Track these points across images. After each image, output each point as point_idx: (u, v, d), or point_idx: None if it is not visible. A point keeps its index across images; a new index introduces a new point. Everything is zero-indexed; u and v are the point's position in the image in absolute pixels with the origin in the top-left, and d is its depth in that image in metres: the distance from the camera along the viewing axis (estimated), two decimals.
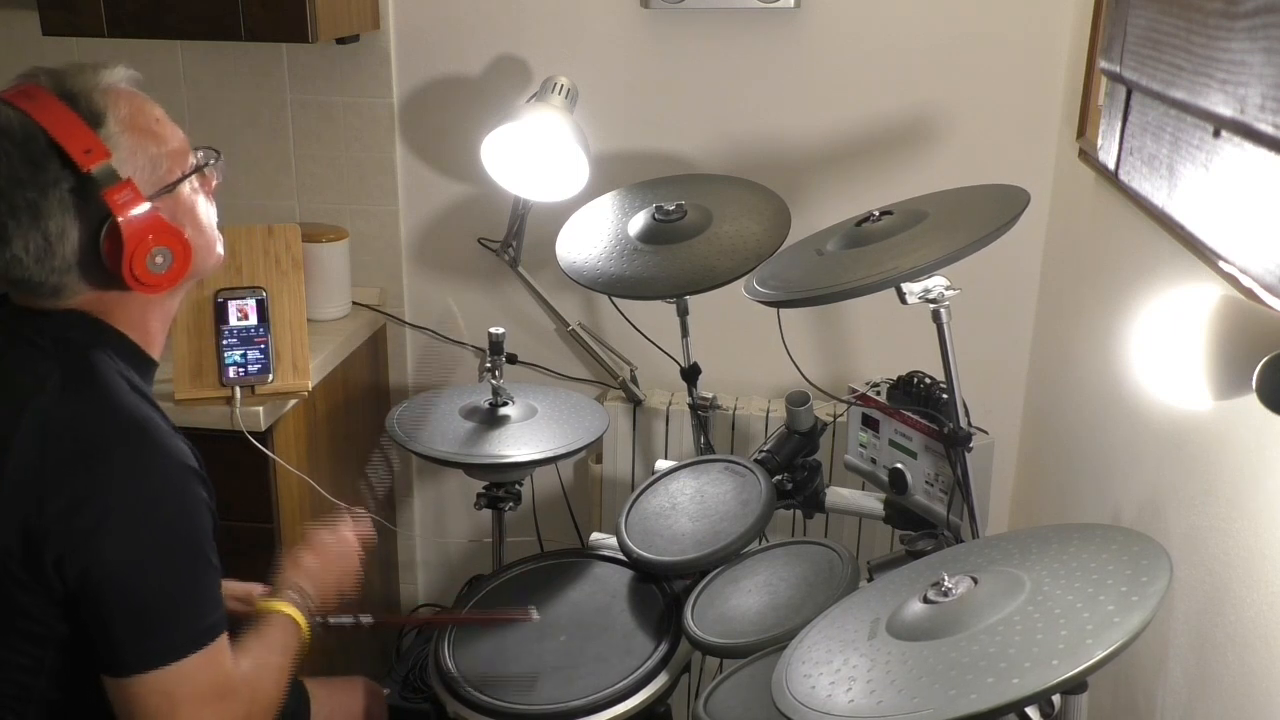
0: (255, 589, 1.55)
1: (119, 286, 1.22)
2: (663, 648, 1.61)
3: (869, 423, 1.77)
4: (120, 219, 1.19)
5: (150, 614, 1.16)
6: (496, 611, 1.73)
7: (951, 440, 1.56)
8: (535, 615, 1.66)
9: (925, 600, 1.11)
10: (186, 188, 1.29)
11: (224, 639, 1.22)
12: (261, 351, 1.89)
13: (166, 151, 1.26)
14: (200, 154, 1.33)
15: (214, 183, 1.36)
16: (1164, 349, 1.08)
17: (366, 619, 1.62)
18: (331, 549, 1.54)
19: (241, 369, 1.88)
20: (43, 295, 1.22)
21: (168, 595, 1.18)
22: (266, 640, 1.34)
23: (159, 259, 1.22)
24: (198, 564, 1.20)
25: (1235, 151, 0.76)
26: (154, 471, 1.18)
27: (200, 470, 1.24)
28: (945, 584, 1.11)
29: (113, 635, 1.16)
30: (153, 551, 1.17)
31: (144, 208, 1.21)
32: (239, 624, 1.33)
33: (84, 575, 1.14)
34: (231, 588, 1.52)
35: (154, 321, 1.30)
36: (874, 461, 1.77)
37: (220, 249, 1.36)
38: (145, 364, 1.29)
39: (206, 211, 1.33)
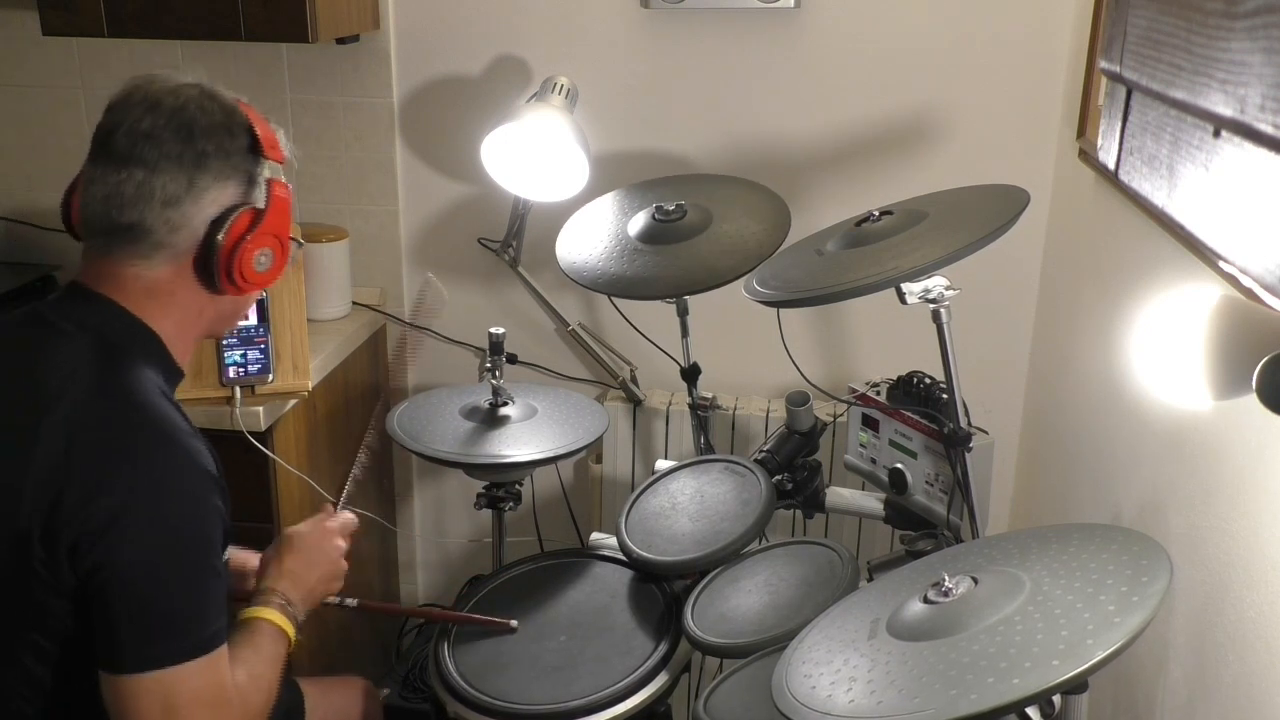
0: (250, 560, 1.54)
1: (203, 275, 1.27)
2: (663, 648, 1.61)
3: (869, 423, 1.77)
4: (273, 201, 1.30)
5: (154, 615, 1.17)
6: (481, 615, 1.71)
7: (951, 440, 1.56)
8: (515, 625, 1.66)
9: (925, 600, 1.11)
10: None
11: (224, 649, 1.22)
12: (261, 351, 1.89)
13: None
14: None
15: None
16: (1164, 349, 1.08)
17: (351, 602, 1.61)
18: (312, 547, 1.48)
19: (241, 369, 1.88)
20: (134, 250, 1.24)
21: (174, 598, 1.18)
22: (259, 651, 1.32)
23: (264, 259, 1.30)
24: (206, 571, 1.21)
25: (1235, 151, 0.76)
26: (173, 474, 1.19)
27: (219, 478, 1.24)
28: (945, 584, 1.11)
29: (115, 632, 1.16)
30: (163, 553, 1.17)
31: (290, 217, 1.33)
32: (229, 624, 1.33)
33: (95, 570, 1.14)
34: (248, 562, 1.54)
35: (189, 336, 1.32)
36: (874, 461, 1.77)
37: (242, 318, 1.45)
38: (173, 373, 1.30)
39: None
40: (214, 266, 1.26)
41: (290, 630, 1.37)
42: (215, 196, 1.25)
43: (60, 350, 1.22)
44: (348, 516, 1.58)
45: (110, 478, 1.15)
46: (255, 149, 1.29)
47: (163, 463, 1.19)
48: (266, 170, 1.31)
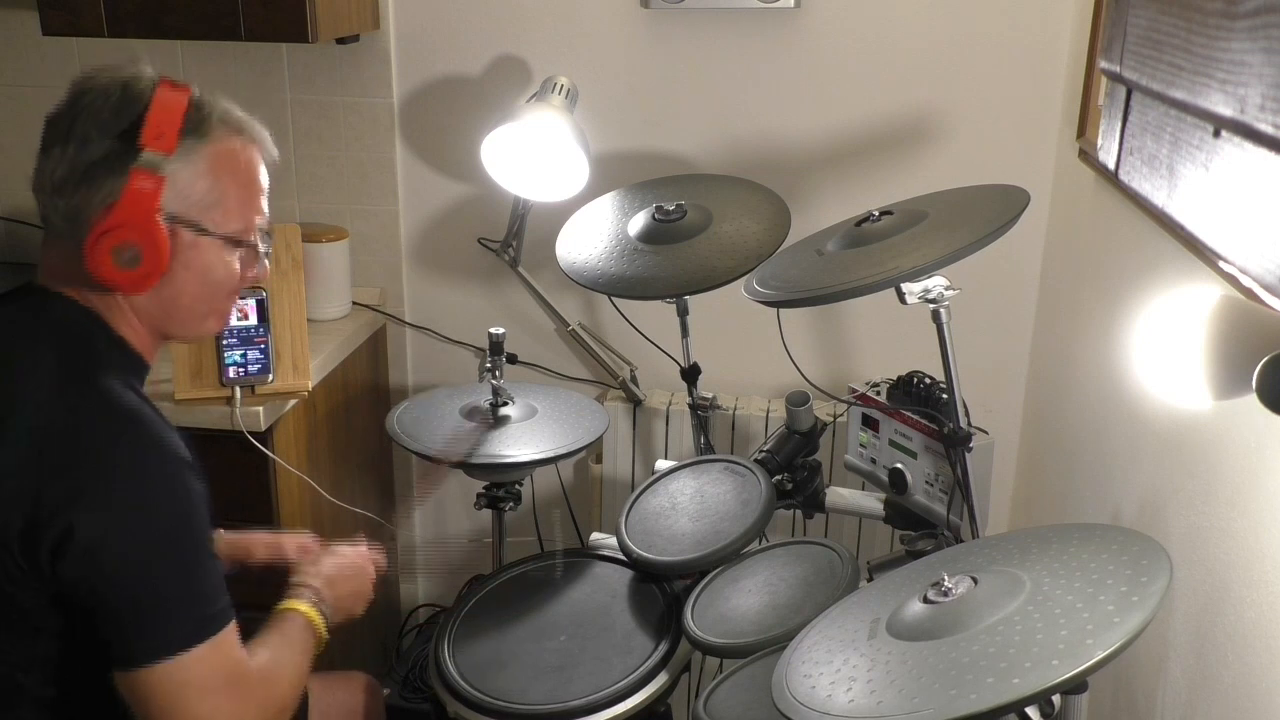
0: (253, 539, 1.58)
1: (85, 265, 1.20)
2: (663, 648, 1.61)
3: (869, 423, 1.77)
4: (126, 194, 1.16)
5: (154, 605, 1.16)
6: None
7: (951, 440, 1.56)
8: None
9: (925, 600, 1.11)
10: (219, 247, 1.26)
11: (232, 628, 1.21)
12: (261, 351, 1.89)
13: (229, 205, 1.25)
14: (263, 241, 1.31)
15: (255, 271, 1.32)
16: (1164, 349, 1.08)
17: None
18: (350, 562, 1.52)
19: (241, 369, 1.88)
20: (51, 242, 1.23)
21: (170, 586, 1.17)
22: (285, 636, 1.33)
23: (127, 254, 1.17)
24: (198, 554, 1.20)
25: (1235, 151, 0.76)
26: (150, 463, 1.18)
27: (194, 464, 1.23)
28: (945, 584, 1.11)
29: (118, 628, 1.15)
30: (152, 542, 1.16)
31: (156, 210, 1.18)
32: (256, 621, 1.33)
33: (84, 568, 1.13)
34: (256, 538, 1.58)
35: (141, 331, 1.28)
36: (874, 461, 1.77)
37: (213, 326, 1.33)
38: (138, 366, 1.28)
39: (222, 284, 1.28)
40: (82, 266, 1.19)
41: (320, 624, 1.38)
42: (112, 187, 1.17)
43: (24, 350, 1.21)
44: (381, 556, 1.60)
45: (87, 474, 1.14)
46: (131, 135, 1.17)
47: (136, 453, 1.17)
48: (147, 159, 1.17)
